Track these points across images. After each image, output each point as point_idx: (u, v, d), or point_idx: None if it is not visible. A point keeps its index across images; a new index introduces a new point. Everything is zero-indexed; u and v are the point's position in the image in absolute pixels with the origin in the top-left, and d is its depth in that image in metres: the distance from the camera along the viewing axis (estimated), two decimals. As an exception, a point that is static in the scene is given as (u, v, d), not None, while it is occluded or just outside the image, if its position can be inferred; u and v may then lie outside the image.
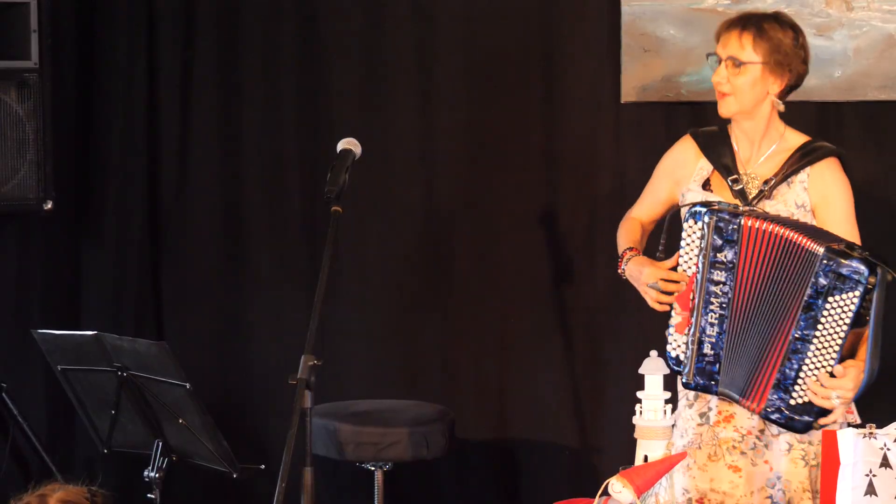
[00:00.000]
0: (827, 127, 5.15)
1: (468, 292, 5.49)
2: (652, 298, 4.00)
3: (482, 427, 5.48)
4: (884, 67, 5.05)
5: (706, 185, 4.09)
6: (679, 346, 3.92)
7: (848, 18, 5.06)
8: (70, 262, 5.70)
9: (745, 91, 3.98)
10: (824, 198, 4.02)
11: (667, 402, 3.54)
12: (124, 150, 5.65)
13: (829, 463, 3.48)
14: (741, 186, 4.01)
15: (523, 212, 5.44)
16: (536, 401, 5.44)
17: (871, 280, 3.70)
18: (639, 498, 3.28)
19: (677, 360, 3.93)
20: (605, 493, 3.31)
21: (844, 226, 3.98)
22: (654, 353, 3.72)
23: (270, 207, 5.60)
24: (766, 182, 4.01)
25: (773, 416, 3.85)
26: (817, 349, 3.78)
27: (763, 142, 4.06)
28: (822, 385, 3.78)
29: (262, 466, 4.31)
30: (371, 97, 5.52)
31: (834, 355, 3.78)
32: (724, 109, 4.03)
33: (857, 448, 3.44)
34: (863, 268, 3.71)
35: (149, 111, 5.64)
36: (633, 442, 3.53)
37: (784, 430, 3.95)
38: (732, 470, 3.99)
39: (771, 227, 3.80)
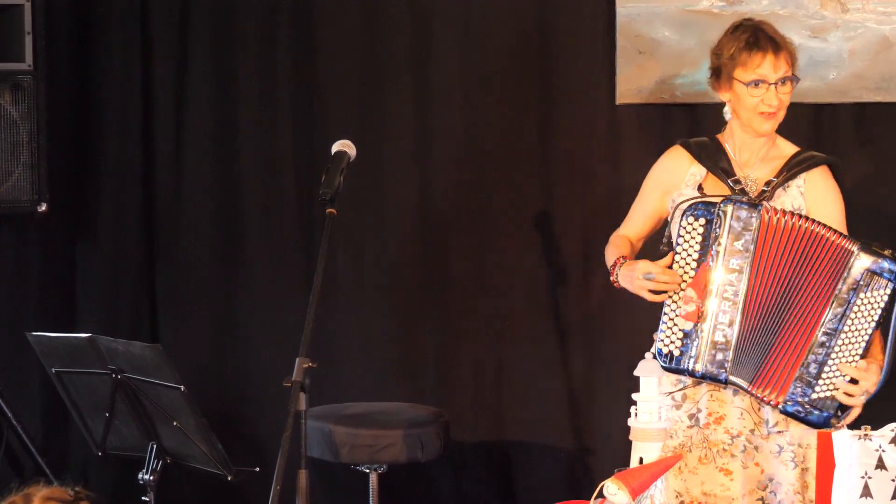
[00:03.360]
0: (822, 129, 5.15)
1: (463, 294, 5.49)
2: (647, 290, 4.01)
3: (477, 429, 5.48)
4: (878, 69, 5.05)
5: (699, 189, 4.11)
6: (674, 340, 3.94)
7: (843, 20, 5.06)
8: (65, 265, 5.69)
9: (787, 104, 4.07)
10: (819, 204, 4.08)
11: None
12: (119, 151, 5.65)
13: (825, 465, 3.48)
14: (742, 187, 4.06)
15: (519, 214, 5.44)
16: (531, 403, 5.44)
17: None
18: (634, 500, 3.28)
19: (669, 356, 3.94)
20: (601, 495, 3.30)
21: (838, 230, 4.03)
22: (648, 355, 3.72)
23: (266, 209, 5.60)
24: (767, 183, 4.06)
25: (792, 409, 3.89)
26: (844, 344, 3.85)
27: (762, 148, 4.12)
28: (848, 382, 3.85)
29: (257, 469, 4.30)
30: (366, 99, 5.52)
31: (859, 351, 3.86)
32: (769, 127, 4.09)
33: (852, 450, 3.44)
34: (895, 266, 3.82)
35: (143, 113, 5.63)
36: (629, 444, 3.52)
37: (776, 431, 3.97)
38: (724, 473, 4.01)
39: (792, 219, 3.89)
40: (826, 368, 3.87)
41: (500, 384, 5.48)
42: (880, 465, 3.43)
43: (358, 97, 5.52)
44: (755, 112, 4.05)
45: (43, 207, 5.28)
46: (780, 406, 3.90)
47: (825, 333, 3.86)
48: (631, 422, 3.50)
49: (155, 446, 4.30)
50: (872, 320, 3.85)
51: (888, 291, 3.82)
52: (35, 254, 5.66)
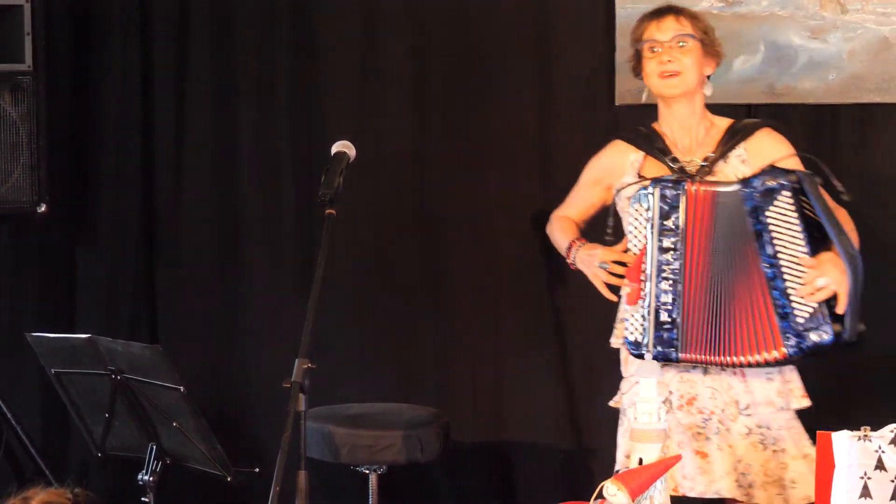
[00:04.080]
0: (822, 129, 5.15)
1: (462, 295, 5.49)
2: (601, 281, 4.10)
3: (477, 429, 5.48)
4: (878, 70, 5.05)
5: (639, 174, 4.19)
6: (637, 327, 3.96)
7: (842, 21, 5.06)
8: (64, 265, 5.69)
9: (691, 69, 4.12)
10: (769, 162, 4.10)
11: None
12: (118, 152, 5.65)
13: (824, 465, 3.48)
14: (680, 164, 4.12)
15: (518, 214, 5.44)
16: (531, 403, 5.43)
17: (792, 178, 3.86)
18: (633, 501, 3.28)
19: (636, 344, 3.98)
20: (600, 495, 3.30)
21: None
22: (648, 355, 3.72)
23: (265, 210, 5.60)
24: (705, 159, 4.11)
25: (794, 348, 3.91)
26: (788, 262, 3.88)
27: (698, 129, 4.18)
28: (804, 285, 3.87)
29: (257, 470, 4.30)
30: (365, 100, 5.52)
31: (805, 258, 3.87)
32: (673, 89, 4.15)
33: (851, 450, 3.44)
34: (776, 173, 3.88)
35: (143, 114, 5.63)
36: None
37: (745, 414, 3.98)
38: (700, 456, 4.02)
39: (710, 188, 3.95)
40: (791, 292, 3.88)
41: (499, 384, 5.48)
42: (879, 465, 3.43)
43: (358, 97, 5.52)
44: (656, 76, 4.13)
45: (43, 208, 5.28)
46: (785, 354, 3.90)
47: (769, 267, 3.89)
48: (631, 422, 3.50)
49: (155, 447, 4.30)
50: (795, 227, 3.87)
51: (787, 195, 3.86)
52: (35, 254, 5.66)
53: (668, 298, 3.94)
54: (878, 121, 5.12)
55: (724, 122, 4.20)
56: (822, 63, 5.08)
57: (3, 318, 5.61)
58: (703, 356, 3.94)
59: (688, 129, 4.17)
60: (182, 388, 4.12)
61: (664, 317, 3.95)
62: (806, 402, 4.09)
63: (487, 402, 5.49)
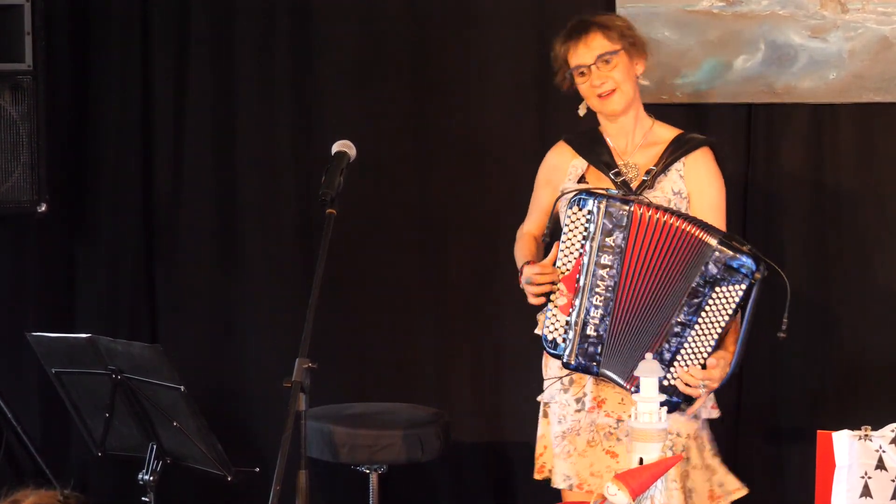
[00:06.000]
0: (821, 129, 5.15)
1: (462, 294, 5.49)
2: (530, 293, 4.09)
3: (477, 429, 5.47)
4: (879, 69, 5.05)
5: (581, 181, 4.19)
6: (557, 328, 4.00)
7: (843, 20, 5.06)
8: (64, 265, 5.69)
9: (625, 80, 4.15)
10: (698, 187, 4.14)
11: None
12: (119, 152, 5.65)
13: (825, 465, 3.48)
14: (623, 178, 4.13)
15: (519, 214, 5.43)
16: (531, 403, 5.42)
17: (757, 276, 3.85)
18: (634, 500, 3.28)
19: (553, 343, 4.01)
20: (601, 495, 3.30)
21: (713, 214, 4.10)
22: (649, 355, 3.71)
23: (265, 210, 5.60)
24: (647, 172, 4.12)
25: (635, 391, 3.91)
26: (697, 335, 3.90)
27: (636, 131, 4.20)
28: (692, 375, 3.89)
29: (257, 469, 4.30)
30: (366, 99, 5.51)
31: (712, 343, 3.90)
32: (614, 106, 4.16)
33: (852, 450, 3.44)
34: (752, 263, 3.85)
35: (143, 114, 5.63)
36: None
37: None
38: (610, 455, 4.05)
39: (661, 215, 3.93)
40: (679, 357, 3.90)
41: (499, 384, 5.48)
42: (880, 465, 3.43)
43: (358, 97, 5.52)
44: (593, 96, 4.15)
45: (43, 207, 5.28)
46: (632, 390, 3.93)
47: (680, 324, 3.90)
48: (631, 422, 3.50)
49: (155, 446, 4.30)
50: (727, 313, 3.88)
51: (743, 287, 3.85)
52: (35, 254, 5.66)
53: (598, 314, 3.96)
54: (879, 120, 5.12)
55: (666, 132, 4.22)
56: (822, 62, 5.08)
57: (3, 317, 5.61)
58: (620, 379, 3.96)
59: (626, 133, 4.20)
60: (182, 388, 4.12)
61: (591, 331, 3.97)
62: (715, 414, 4.13)
63: (487, 402, 5.48)
